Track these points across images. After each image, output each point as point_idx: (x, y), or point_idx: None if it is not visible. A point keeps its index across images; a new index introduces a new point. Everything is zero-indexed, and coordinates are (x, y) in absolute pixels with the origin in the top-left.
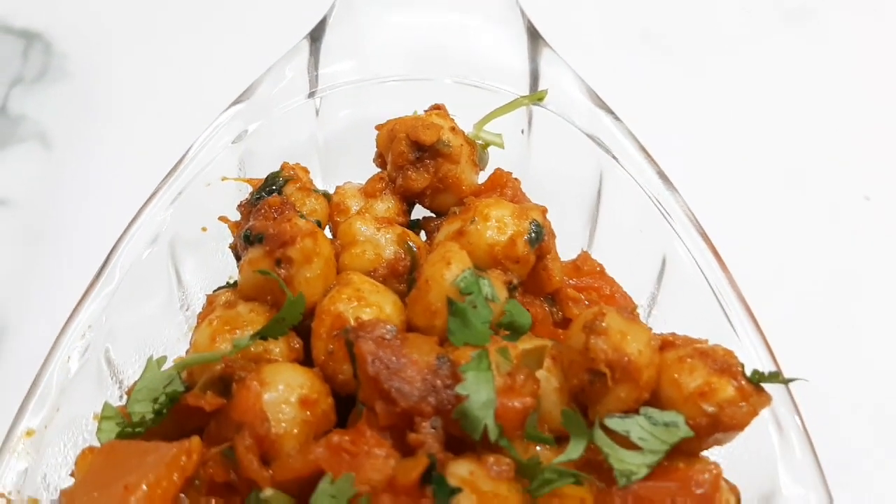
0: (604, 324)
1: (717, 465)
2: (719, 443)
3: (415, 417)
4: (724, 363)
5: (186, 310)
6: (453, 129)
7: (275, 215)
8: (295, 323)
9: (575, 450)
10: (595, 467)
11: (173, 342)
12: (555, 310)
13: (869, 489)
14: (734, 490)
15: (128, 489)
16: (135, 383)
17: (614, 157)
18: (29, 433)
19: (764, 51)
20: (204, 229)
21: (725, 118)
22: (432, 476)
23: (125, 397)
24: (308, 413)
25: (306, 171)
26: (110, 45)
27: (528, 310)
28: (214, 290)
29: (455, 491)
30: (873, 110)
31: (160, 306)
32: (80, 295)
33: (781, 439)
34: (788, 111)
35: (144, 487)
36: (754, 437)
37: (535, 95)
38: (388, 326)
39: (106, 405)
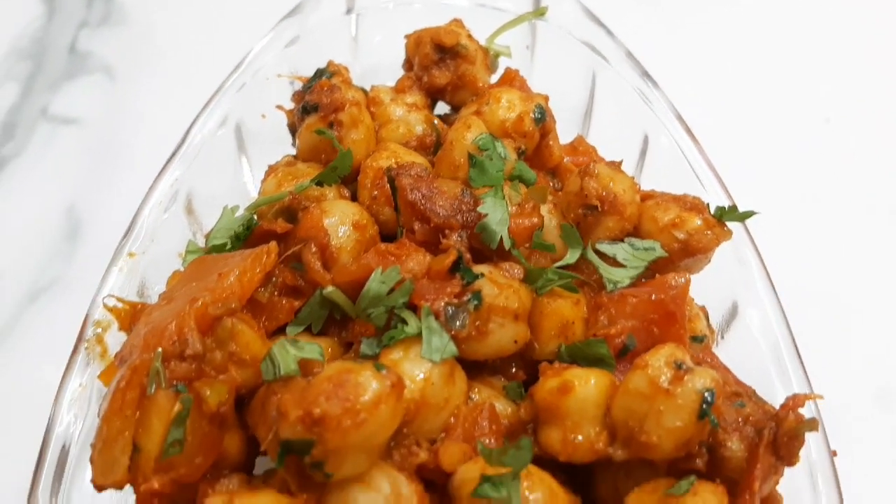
0: (595, 170)
1: (686, 275)
2: (690, 270)
3: (445, 231)
4: (692, 203)
5: (251, 180)
6: (469, 36)
7: (326, 93)
8: (346, 173)
9: (572, 256)
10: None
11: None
12: (555, 181)
13: (818, 313)
14: (703, 309)
15: (221, 276)
16: (212, 228)
17: (605, 59)
18: (131, 255)
19: None
20: (263, 116)
21: (703, 52)
22: (460, 267)
23: (204, 242)
24: (359, 234)
25: (347, 69)
26: None
27: None
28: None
29: (478, 276)
30: (835, 41)
31: (229, 177)
32: (140, 199)
33: (743, 271)
34: (760, 43)
35: (236, 271)
36: (720, 269)
37: (538, 11)
38: (423, 167)
39: (190, 242)
